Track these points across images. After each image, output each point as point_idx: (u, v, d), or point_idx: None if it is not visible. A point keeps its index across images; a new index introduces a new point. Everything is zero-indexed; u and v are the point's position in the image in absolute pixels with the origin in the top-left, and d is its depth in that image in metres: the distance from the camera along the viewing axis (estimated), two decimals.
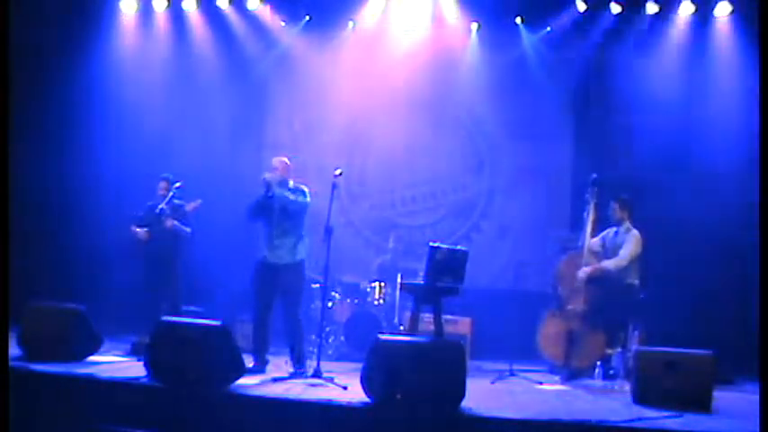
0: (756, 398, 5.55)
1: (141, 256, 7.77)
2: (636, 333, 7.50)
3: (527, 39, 9.64)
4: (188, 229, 7.77)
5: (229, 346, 5.75)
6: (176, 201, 7.78)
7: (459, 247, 7.12)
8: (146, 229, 7.70)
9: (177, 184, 7.76)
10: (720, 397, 6.02)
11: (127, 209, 8.17)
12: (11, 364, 5.73)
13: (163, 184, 7.81)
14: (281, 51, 10.11)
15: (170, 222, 7.62)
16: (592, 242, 7.53)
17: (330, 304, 8.33)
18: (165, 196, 7.73)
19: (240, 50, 10.02)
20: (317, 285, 8.14)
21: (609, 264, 7.34)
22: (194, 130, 9.74)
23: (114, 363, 6.66)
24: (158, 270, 7.66)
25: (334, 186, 6.69)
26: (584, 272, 7.32)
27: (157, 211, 7.65)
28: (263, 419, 5.29)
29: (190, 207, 7.78)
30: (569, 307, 7.38)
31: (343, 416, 5.27)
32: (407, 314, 7.72)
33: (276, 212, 6.85)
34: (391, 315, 8.41)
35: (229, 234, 9.03)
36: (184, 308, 7.69)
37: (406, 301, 8.16)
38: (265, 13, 9.96)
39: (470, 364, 6.96)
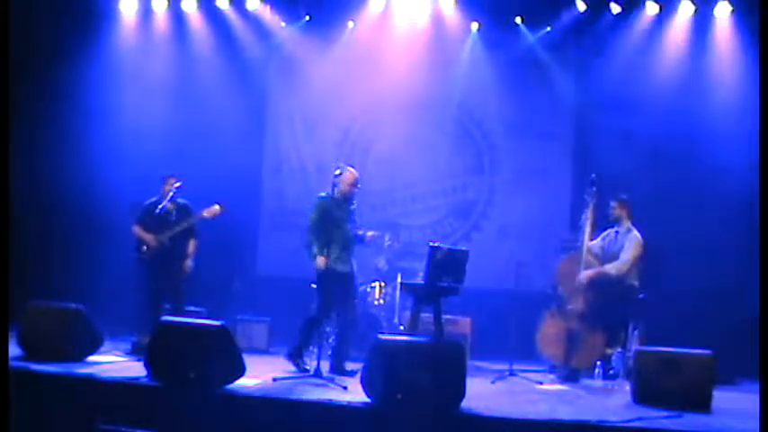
0: (756, 398, 5.55)
1: (143, 257, 7.76)
2: (636, 333, 7.51)
3: (527, 39, 9.65)
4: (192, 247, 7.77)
5: (229, 346, 5.75)
6: (180, 200, 7.77)
7: (459, 247, 7.12)
8: (153, 235, 7.68)
9: (177, 184, 7.73)
10: (720, 397, 6.02)
11: (127, 209, 8.16)
12: (11, 364, 5.73)
13: (171, 181, 7.76)
14: (282, 51, 10.11)
15: (194, 218, 7.65)
16: (592, 243, 7.53)
17: None
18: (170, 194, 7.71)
19: (240, 51, 10.01)
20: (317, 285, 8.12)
21: (610, 268, 7.34)
22: (194, 131, 9.73)
23: (114, 363, 6.66)
24: (162, 271, 7.64)
25: (334, 186, 6.69)
26: (585, 276, 7.32)
27: (157, 210, 7.63)
28: (263, 419, 5.29)
29: (208, 214, 7.66)
30: (569, 307, 7.38)
31: (343, 416, 5.27)
32: (407, 314, 7.72)
33: None
34: (391, 315, 8.40)
35: (229, 235, 9.02)
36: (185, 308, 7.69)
37: (406, 301, 8.16)
38: (265, 14, 9.97)
39: (470, 364, 6.96)
